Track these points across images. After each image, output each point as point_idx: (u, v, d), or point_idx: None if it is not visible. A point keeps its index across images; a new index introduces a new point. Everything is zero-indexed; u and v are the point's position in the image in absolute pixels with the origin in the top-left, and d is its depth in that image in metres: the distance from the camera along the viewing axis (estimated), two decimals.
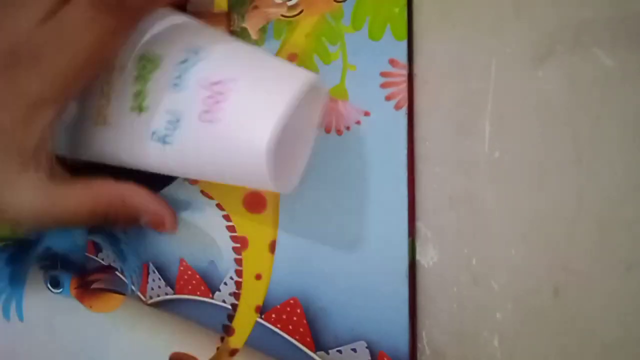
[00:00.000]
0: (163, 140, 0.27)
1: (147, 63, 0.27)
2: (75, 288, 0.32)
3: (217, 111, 0.26)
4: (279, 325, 0.32)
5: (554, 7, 0.19)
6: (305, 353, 0.31)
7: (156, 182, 0.31)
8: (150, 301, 0.32)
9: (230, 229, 0.32)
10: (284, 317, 0.32)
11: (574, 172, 0.18)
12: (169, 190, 0.33)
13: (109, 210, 0.28)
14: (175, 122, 0.26)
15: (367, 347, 0.30)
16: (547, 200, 0.19)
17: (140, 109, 0.27)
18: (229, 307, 0.33)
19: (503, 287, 0.22)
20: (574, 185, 0.18)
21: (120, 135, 0.28)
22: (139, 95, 0.27)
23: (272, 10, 0.34)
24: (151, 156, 0.27)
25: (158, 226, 0.31)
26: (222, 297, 0.33)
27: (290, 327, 0.31)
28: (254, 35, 0.34)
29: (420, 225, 0.32)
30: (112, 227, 0.29)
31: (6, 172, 0.26)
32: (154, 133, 0.27)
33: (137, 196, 0.29)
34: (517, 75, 0.21)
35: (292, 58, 0.34)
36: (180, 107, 0.26)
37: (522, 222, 0.21)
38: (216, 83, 0.26)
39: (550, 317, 0.19)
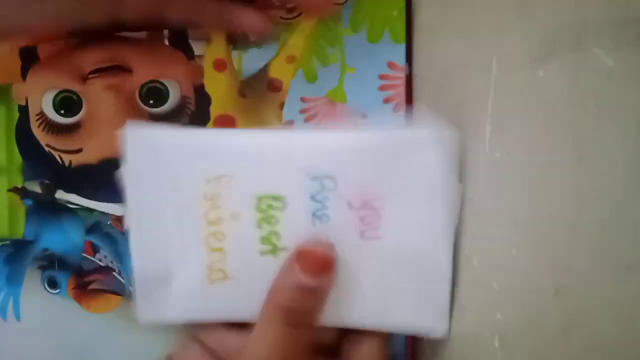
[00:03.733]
0: None
1: (272, 203, 0.26)
2: (72, 288, 0.32)
3: (378, 228, 0.26)
4: None
5: (554, 7, 0.19)
6: None
7: None
8: None
9: None
10: None
11: (574, 172, 0.18)
12: None
13: None
14: None
15: None
16: (548, 200, 0.19)
17: (274, 252, 0.26)
18: None
19: (503, 287, 0.22)
20: (574, 185, 0.18)
21: (250, 284, 0.26)
22: (269, 238, 0.26)
23: (271, 12, 0.34)
24: None
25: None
26: None
27: None
28: (252, 37, 0.34)
29: None
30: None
31: None
32: None
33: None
34: (518, 75, 0.21)
35: (290, 60, 0.34)
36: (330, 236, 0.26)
37: (522, 222, 0.21)
38: (367, 202, 0.26)
39: (550, 317, 0.19)
